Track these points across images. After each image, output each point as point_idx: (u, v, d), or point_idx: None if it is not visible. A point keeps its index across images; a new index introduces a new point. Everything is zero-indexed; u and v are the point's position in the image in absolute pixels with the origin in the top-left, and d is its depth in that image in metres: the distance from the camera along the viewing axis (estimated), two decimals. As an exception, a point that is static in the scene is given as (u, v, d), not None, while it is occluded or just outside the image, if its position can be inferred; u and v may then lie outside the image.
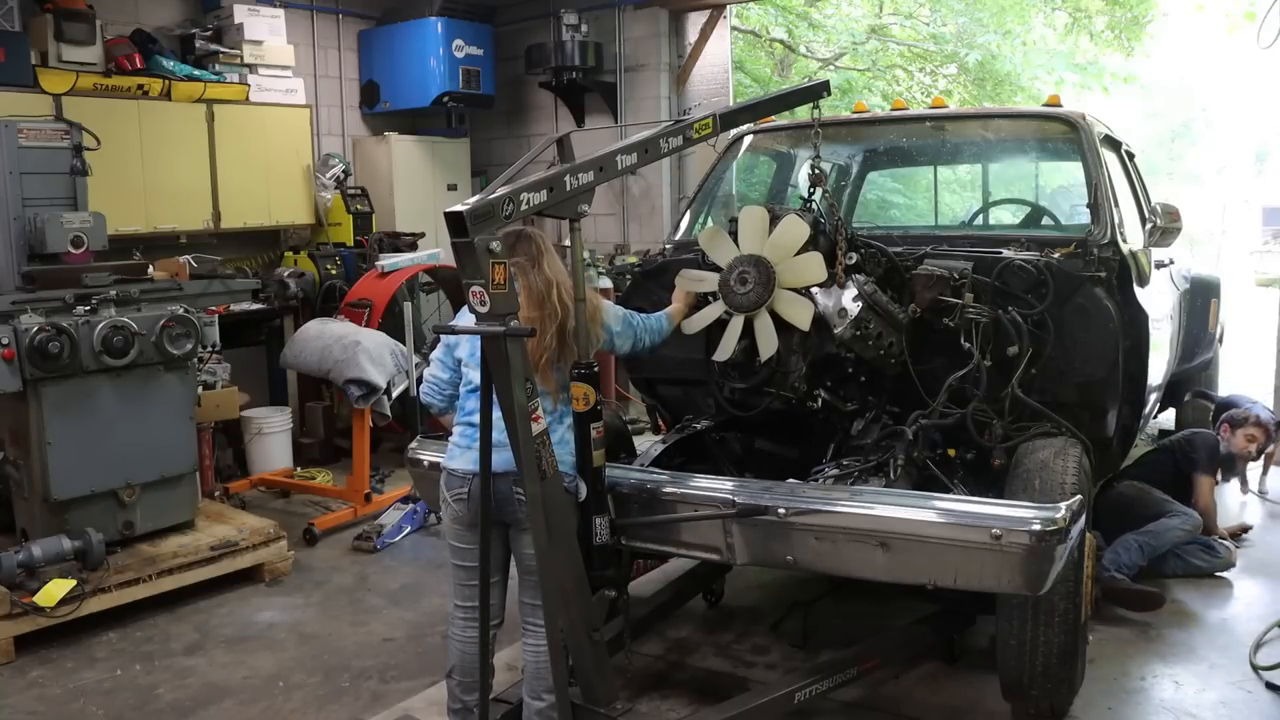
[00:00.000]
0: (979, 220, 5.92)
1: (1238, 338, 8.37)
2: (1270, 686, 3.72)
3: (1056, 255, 3.64)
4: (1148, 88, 18.97)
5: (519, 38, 8.49)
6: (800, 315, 3.47)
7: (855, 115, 5.10)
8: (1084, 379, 3.61)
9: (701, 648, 4.17)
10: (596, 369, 3.05)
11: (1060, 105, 4.44)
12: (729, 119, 3.56)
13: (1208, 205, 23.29)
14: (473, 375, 3.09)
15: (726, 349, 3.59)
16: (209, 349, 5.19)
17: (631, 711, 3.12)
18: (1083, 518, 3.04)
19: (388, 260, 6.71)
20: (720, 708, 3.25)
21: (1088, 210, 3.95)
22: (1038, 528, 2.75)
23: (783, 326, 3.50)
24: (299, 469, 6.68)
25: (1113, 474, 4.50)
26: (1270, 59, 6.62)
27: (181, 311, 4.73)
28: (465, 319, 2.87)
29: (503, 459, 2.87)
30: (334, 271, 7.07)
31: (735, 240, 3.60)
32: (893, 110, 5.42)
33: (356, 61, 8.49)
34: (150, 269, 5.21)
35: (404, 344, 6.08)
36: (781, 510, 3.05)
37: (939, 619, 3.83)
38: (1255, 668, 3.86)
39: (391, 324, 6.26)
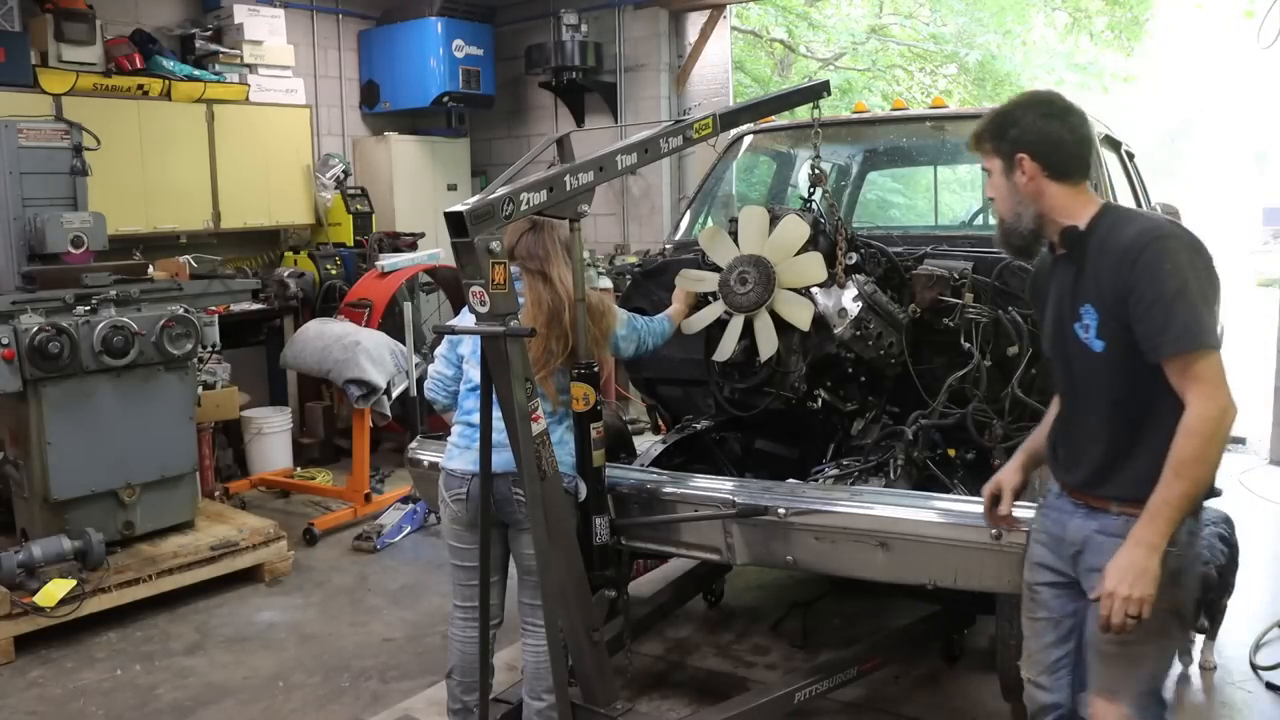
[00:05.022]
0: (979, 220, 5.90)
1: (1238, 338, 8.35)
2: (1270, 686, 3.72)
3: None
4: (1148, 88, 18.96)
5: (519, 38, 8.48)
6: (800, 315, 3.46)
7: (855, 115, 5.08)
8: (1084, 379, 3.60)
9: (701, 648, 4.17)
10: (596, 369, 3.05)
11: (1060, 105, 4.42)
12: (729, 119, 3.55)
13: (1208, 205, 23.29)
14: (473, 374, 3.08)
15: (726, 349, 3.58)
16: (209, 349, 5.19)
17: (631, 711, 3.11)
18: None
19: (388, 260, 6.71)
20: (720, 708, 3.26)
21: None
22: (1038, 528, 2.75)
23: (783, 326, 3.49)
24: (299, 469, 6.68)
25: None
26: (1270, 59, 6.61)
27: (181, 311, 4.73)
28: (466, 319, 2.86)
29: (502, 459, 2.87)
30: (334, 271, 7.07)
31: (735, 240, 3.59)
32: (893, 110, 5.41)
33: (356, 61, 8.48)
34: (150, 269, 5.21)
35: (404, 344, 6.08)
36: (781, 510, 3.05)
37: (939, 619, 3.83)
38: (1255, 668, 3.86)
39: (391, 324, 6.26)
